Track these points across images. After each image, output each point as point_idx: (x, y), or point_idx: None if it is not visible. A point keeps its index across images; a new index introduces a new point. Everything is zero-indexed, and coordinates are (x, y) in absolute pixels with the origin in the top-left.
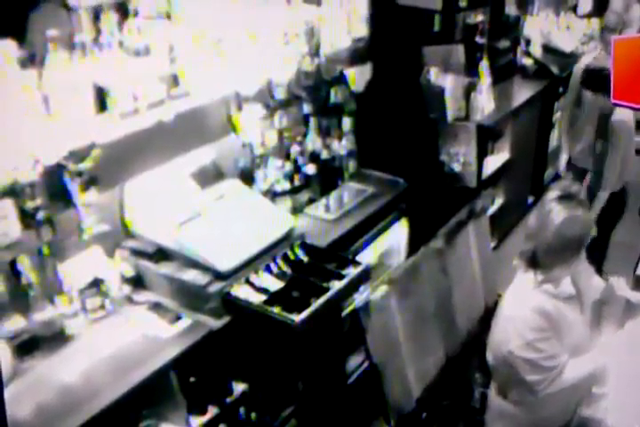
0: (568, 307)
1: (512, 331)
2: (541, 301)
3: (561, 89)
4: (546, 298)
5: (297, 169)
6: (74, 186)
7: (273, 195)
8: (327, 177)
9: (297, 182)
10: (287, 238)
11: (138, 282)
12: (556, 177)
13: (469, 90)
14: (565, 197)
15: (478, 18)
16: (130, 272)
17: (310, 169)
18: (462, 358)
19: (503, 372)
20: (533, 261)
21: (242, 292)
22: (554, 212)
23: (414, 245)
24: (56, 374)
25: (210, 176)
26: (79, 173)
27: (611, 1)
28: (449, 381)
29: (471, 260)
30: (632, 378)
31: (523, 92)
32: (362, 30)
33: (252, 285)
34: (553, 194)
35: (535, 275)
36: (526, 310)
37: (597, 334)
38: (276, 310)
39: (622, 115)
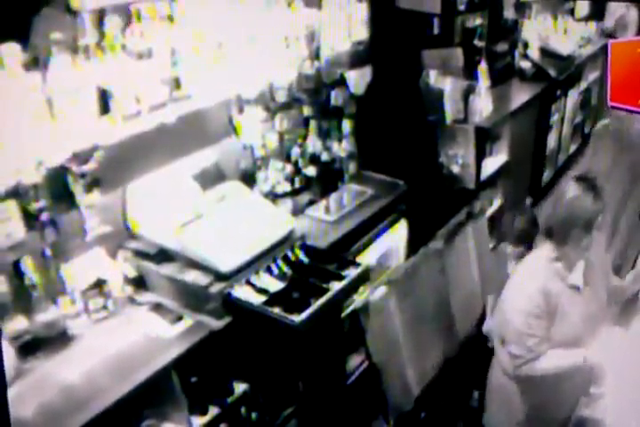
0: (570, 297)
1: (513, 298)
2: (549, 279)
3: (558, 92)
4: (554, 279)
5: (297, 171)
6: (77, 187)
7: (274, 196)
8: (327, 179)
9: (297, 184)
10: (288, 240)
11: (140, 283)
12: None
13: (468, 92)
14: (582, 179)
15: (477, 21)
16: (132, 273)
17: (311, 171)
18: (461, 357)
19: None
20: (549, 235)
21: (243, 292)
22: (569, 188)
23: (414, 246)
24: (59, 374)
25: (211, 178)
26: (82, 175)
27: (608, 5)
28: (448, 380)
29: (470, 261)
30: (631, 378)
31: (521, 95)
32: (362, 34)
33: (252, 285)
34: (573, 174)
35: (552, 249)
36: (532, 284)
37: (592, 335)
38: (277, 310)
39: None
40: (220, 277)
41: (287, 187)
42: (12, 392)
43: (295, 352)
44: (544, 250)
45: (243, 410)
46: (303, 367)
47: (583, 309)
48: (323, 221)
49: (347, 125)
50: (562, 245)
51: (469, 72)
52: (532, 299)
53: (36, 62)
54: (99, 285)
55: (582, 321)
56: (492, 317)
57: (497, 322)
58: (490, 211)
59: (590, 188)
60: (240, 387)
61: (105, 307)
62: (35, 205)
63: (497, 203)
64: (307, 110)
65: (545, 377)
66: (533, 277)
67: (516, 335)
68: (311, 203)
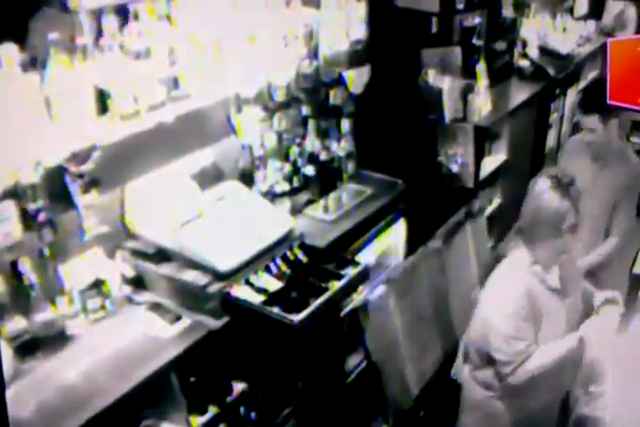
0: (552, 299)
1: (496, 302)
2: (531, 283)
3: (557, 91)
4: (535, 282)
5: (296, 170)
6: (75, 187)
7: (272, 196)
8: (326, 178)
9: (296, 184)
10: (286, 239)
11: (138, 283)
12: None
13: (467, 91)
14: (553, 177)
15: (475, 20)
16: (130, 273)
17: (309, 170)
18: None
19: (479, 350)
20: (520, 232)
21: (241, 292)
22: (538, 185)
23: (413, 245)
24: (57, 374)
25: (210, 177)
26: (80, 175)
27: (607, 3)
28: (447, 379)
29: (469, 260)
30: (631, 376)
31: (520, 94)
32: (360, 33)
33: (251, 285)
34: (545, 172)
35: (527, 252)
36: (515, 287)
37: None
38: (276, 310)
39: None
40: (218, 276)
41: (286, 186)
42: (10, 392)
43: (294, 352)
44: (521, 253)
45: (242, 410)
46: (302, 367)
47: (565, 312)
48: (321, 220)
49: (345, 125)
50: (531, 245)
51: (468, 71)
52: (518, 301)
53: (34, 62)
54: (97, 284)
55: (566, 324)
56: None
57: (477, 336)
58: (489, 210)
59: (558, 185)
60: (239, 386)
61: (103, 307)
62: (33, 206)
63: (496, 202)
64: (305, 110)
65: (530, 387)
66: (515, 281)
67: (504, 341)
68: (310, 202)
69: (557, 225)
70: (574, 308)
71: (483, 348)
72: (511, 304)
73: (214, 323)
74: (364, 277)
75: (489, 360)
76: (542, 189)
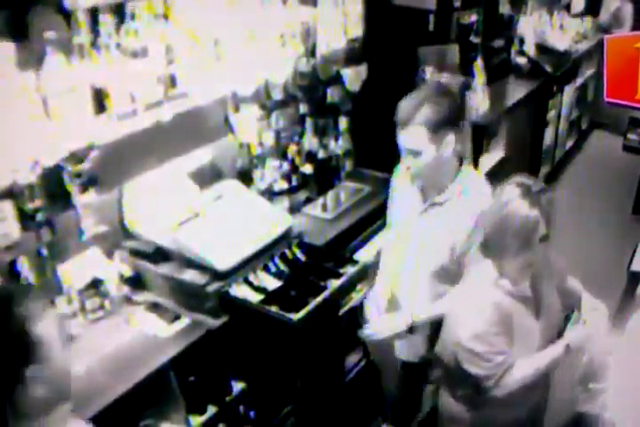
0: (523, 307)
1: (464, 323)
2: (497, 296)
3: (554, 88)
4: (502, 294)
5: (294, 169)
6: (73, 187)
7: (270, 194)
8: (324, 176)
9: (294, 182)
10: (285, 238)
11: (137, 282)
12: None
13: (464, 89)
14: (522, 185)
15: (473, 17)
16: (129, 272)
17: (307, 169)
18: None
19: (451, 366)
20: (486, 250)
21: (240, 291)
22: (504, 194)
23: None
24: None
25: (208, 176)
26: (78, 174)
27: (604, 0)
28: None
29: None
30: (630, 374)
31: (517, 91)
32: (357, 30)
33: (250, 284)
34: (513, 179)
35: (492, 267)
36: (482, 304)
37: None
38: (274, 308)
39: None
40: (217, 275)
41: (284, 185)
42: None
43: (293, 351)
44: (486, 267)
45: (241, 409)
46: (301, 366)
47: (539, 321)
48: (320, 218)
49: (343, 123)
50: (497, 260)
51: (465, 68)
52: (487, 319)
53: (31, 61)
54: (95, 284)
55: (541, 334)
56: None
57: (449, 357)
58: None
59: (527, 192)
60: (238, 386)
61: (102, 306)
62: (30, 205)
63: None
64: (303, 108)
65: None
66: (481, 297)
67: (480, 358)
68: (308, 201)
69: (527, 237)
70: (551, 313)
71: (457, 367)
72: (480, 323)
73: (213, 322)
74: (362, 275)
75: (465, 376)
76: (510, 198)
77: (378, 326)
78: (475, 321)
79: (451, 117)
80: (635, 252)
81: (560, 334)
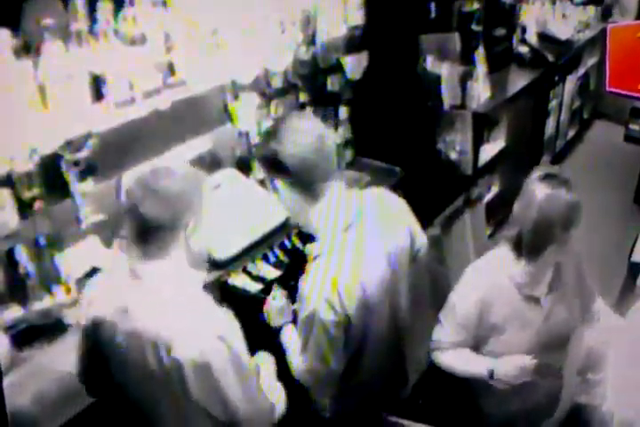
0: (523, 308)
1: (455, 299)
2: (496, 287)
3: (556, 77)
4: (505, 287)
5: None
6: (71, 175)
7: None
8: None
9: None
10: (284, 227)
11: None
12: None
13: (466, 78)
14: (547, 176)
15: (474, 6)
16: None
17: None
18: None
19: None
20: (519, 246)
21: (239, 281)
22: (536, 190)
23: None
24: (55, 363)
25: (207, 165)
26: (76, 163)
27: None
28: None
29: (467, 247)
30: (629, 365)
31: (519, 80)
32: (358, 18)
33: (249, 274)
34: (535, 175)
35: (520, 262)
36: (474, 293)
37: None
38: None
39: None
40: (216, 265)
41: None
42: (7, 381)
43: None
44: (501, 252)
45: None
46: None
47: (539, 322)
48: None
49: (343, 112)
50: (536, 254)
51: (467, 57)
52: (467, 310)
53: (28, 48)
54: (94, 273)
55: (536, 334)
56: None
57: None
58: (487, 198)
59: (559, 183)
60: None
61: None
62: (28, 194)
63: (494, 189)
64: (303, 96)
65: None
66: (478, 284)
67: (439, 322)
68: None
69: (569, 226)
70: (559, 313)
71: None
72: (461, 309)
73: None
74: None
75: None
76: (544, 192)
77: None
78: (460, 305)
79: None
80: (635, 242)
81: (562, 346)
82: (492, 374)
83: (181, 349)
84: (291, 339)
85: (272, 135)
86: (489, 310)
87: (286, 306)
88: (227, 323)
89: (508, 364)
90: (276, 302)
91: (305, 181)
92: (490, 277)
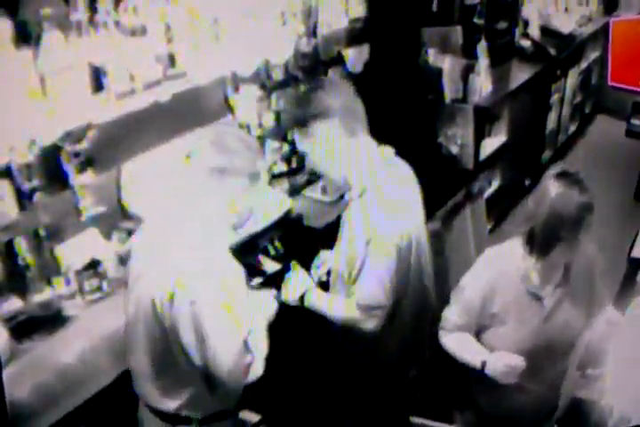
0: (524, 304)
1: (464, 282)
2: (506, 276)
3: (558, 71)
4: (513, 278)
5: (294, 151)
6: (70, 167)
7: (270, 177)
8: None
9: (294, 164)
10: (285, 220)
11: None
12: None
13: (467, 71)
14: (562, 175)
15: None
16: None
17: None
18: None
19: None
20: (530, 242)
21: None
22: (549, 188)
23: None
24: (54, 355)
25: None
26: (75, 154)
27: None
28: (444, 361)
29: (467, 242)
30: (629, 360)
31: (520, 74)
32: (360, 10)
33: (247, 266)
34: (551, 171)
35: (530, 258)
36: (483, 277)
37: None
38: (273, 292)
39: None
40: None
41: (284, 167)
42: (7, 373)
43: (291, 334)
44: (517, 244)
45: None
46: (300, 348)
47: (538, 322)
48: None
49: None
50: (546, 253)
51: (469, 51)
52: (472, 293)
53: (27, 39)
54: (93, 265)
55: (533, 333)
56: None
57: None
58: (488, 192)
59: (573, 182)
60: None
61: (99, 288)
62: (27, 185)
63: (495, 184)
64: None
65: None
66: (489, 270)
67: (448, 308)
68: (308, 183)
69: (580, 226)
70: (560, 314)
71: None
72: (468, 292)
73: None
74: None
75: None
76: (557, 190)
77: None
78: (468, 288)
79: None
80: (635, 238)
81: (559, 353)
82: (483, 366)
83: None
84: (321, 295)
85: (313, 90)
86: (492, 297)
87: (305, 275)
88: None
89: (500, 360)
90: (294, 274)
91: (348, 122)
92: (501, 266)
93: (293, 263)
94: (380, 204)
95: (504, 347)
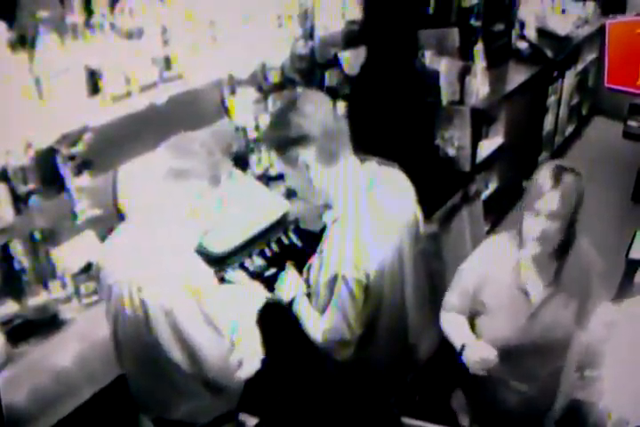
0: (510, 297)
1: (464, 266)
2: (499, 267)
3: (555, 73)
4: (506, 269)
5: None
6: (66, 170)
7: (267, 179)
8: None
9: None
10: (281, 223)
11: None
12: None
13: (464, 73)
14: (556, 165)
15: (473, 0)
16: None
17: None
18: None
19: None
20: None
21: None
22: (542, 177)
23: None
24: (50, 358)
25: None
26: (72, 157)
27: None
28: (442, 363)
29: (465, 244)
30: (627, 361)
31: (517, 76)
32: (356, 13)
33: (245, 269)
34: (545, 165)
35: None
36: (480, 265)
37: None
38: (270, 294)
39: None
40: (212, 260)
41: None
42: (3, 377)
43: (287, 335)
44: (506, 238)
45: None
46: (296, 350)
47: (524, 318)
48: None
49: (341, 107)
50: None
51: (465, 52)
52: (467, 278)
53: (23, 41)
54: (89, 268)
55: (519, 328)
56: None
57: None
58: (485, 194)
59: (556, 169)
60: None
61: (96, 291)
62: (23, 188)
63: (493, 186)
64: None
65: None
66: (485, 257)
67: (453, 284)
68: None
69: (532, 201)
70: (541, 317)
71: None
72: (465, 277)
73: None
74: None
75: None
76: (541, 173)
77: None
78: (465, 273)
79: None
80: (633, 239)
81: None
82: (462, 351)
83: (150, 292)
84: (306, 307)
85: (290, 111)
86: (484, 285)
87: (299, 279)
88: (201, 276)
89: (476, 349)
90: (289, 275)
91: (328, 148)
92: (497, 255)
93: (289, 264)
94: (357, 234)
95: (489, 337)
